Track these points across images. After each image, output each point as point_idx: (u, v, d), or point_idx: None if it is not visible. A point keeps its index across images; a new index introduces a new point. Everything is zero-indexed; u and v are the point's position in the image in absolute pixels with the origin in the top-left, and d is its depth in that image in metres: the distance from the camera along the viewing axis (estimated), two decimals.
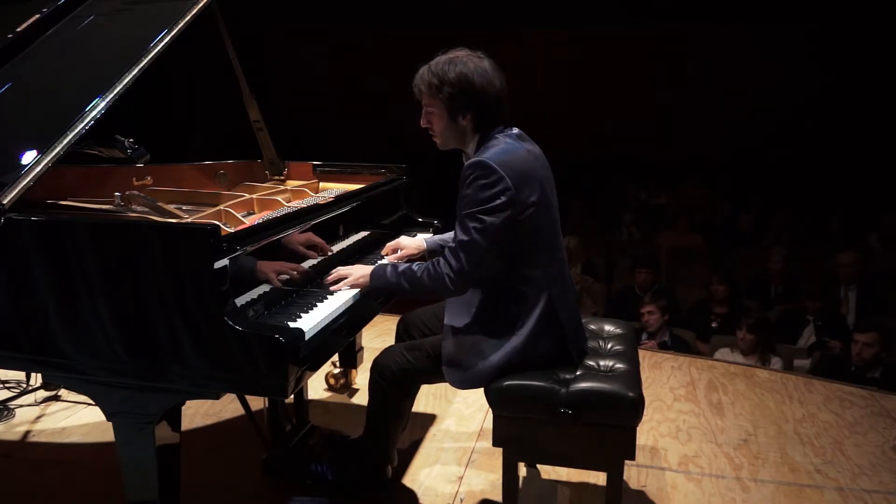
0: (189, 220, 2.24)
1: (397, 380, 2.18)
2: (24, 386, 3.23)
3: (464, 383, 2.09)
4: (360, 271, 2.17)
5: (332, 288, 2.14)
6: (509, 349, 2.04)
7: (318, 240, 2.23)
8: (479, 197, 1.95)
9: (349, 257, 2.45)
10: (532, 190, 2.01)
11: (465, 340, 2.07)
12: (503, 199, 1.94)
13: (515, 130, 2.10)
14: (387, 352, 2.24)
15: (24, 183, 1.80)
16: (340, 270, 2.19)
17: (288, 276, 2.05)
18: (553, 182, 2.13)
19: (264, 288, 1.93)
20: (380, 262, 2.26)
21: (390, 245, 2.49)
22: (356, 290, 2.15)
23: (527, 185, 2.00)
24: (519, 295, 2.05)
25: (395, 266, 2.12)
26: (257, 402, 2.56)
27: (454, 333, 2.10)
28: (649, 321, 4.54)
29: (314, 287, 2.16)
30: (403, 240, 2.52)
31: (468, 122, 2.06)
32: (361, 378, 3.30)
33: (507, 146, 2.02)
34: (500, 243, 1.99)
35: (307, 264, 2.17)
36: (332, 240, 2.36)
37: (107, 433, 1.91)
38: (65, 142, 1.86)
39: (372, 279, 2.13)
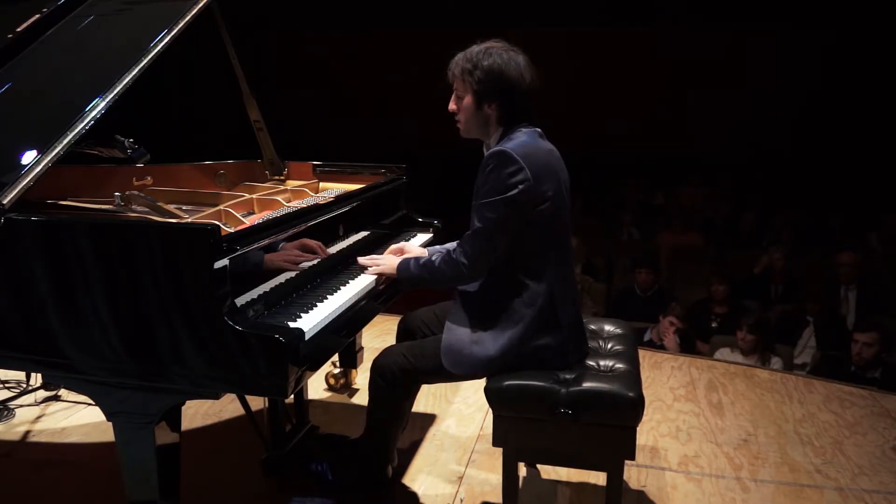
0: (189, 220, 2.24)
1: (397, 380, 2.18)
2: (24, 386, 3.23)
3: (459, 367, 2.10)
4: (389, 262, 2.28)
5: (362, 262, 2.32)
6: (506, 340, 2.05)
7: (312, 243, 2.21)
8: (498, 185, 1.98)
9: (349, 258, 2.45)
10: (551, 184, 2.04)
11: (465, 327, 2.10)
12: (521, 188, 1.97)
13: (538, 130, 2.13)
14: (387, 352, 2.24)
15: (24, 183, 1.80)
16: (375, 258, 2.33)
17: (301, 265, 2.11)
18: (569, 184, 2.15)
19: (264, 288, 1.93)
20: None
21: (395, 247, 2.49)
22: (357, 290, 2.16)
23: (547, 179, 2.02)
24: (522, 286, 2.06)
25: (417, 259, 2.21)
26: (257, 402, 2.56)
27: (456, 320, 2.12)
28: (668, 336, 4.53)
29: (339, 271, 2.28)
30: (407, 245, 2.53)
31: (493, 110, 2.08)
32: (361, 378, 3.30)
33: (529, 140, 2.05)
34: (513, 232, 2.02)
35: (306, 265, 2.17)
36: (332, 240, 2.36)
37: (107, 433, 1.91)
38: (65, 142, 1.86)
39: (398, 272, 2.23)
